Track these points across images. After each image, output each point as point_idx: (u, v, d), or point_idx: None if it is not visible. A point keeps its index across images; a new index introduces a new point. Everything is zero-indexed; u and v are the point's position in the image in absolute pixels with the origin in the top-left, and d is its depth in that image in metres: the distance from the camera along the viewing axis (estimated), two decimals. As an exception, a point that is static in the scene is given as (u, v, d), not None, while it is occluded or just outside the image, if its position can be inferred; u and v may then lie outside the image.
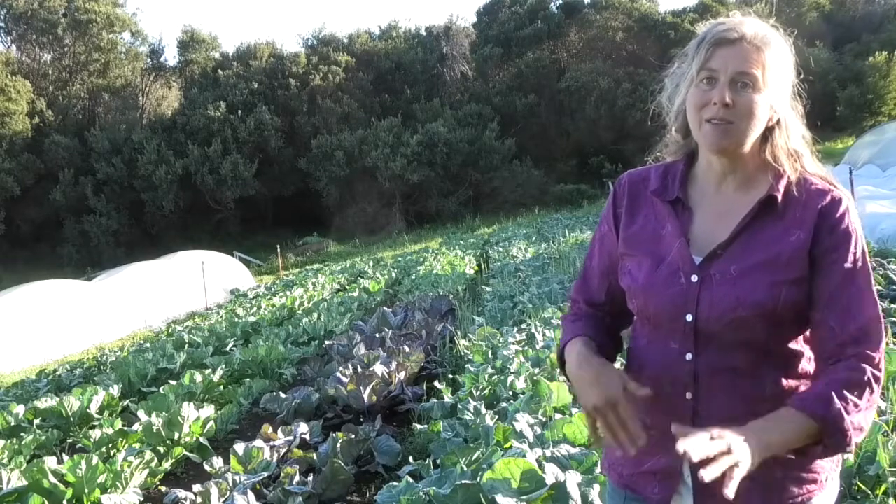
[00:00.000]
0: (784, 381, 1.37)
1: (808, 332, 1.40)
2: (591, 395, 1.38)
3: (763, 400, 1.35)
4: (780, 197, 1.36)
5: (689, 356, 1.38)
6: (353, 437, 4.40)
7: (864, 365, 1.30)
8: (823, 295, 1.33)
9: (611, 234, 1.56)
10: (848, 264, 1.33)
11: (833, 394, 1.26)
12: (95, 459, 4.18)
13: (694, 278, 1.38)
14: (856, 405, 1.27)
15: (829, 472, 1.40)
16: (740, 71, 1.33)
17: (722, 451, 1.15)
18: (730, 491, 1.14)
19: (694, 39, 1.41)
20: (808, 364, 1.40)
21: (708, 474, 1.14)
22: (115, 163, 33.15)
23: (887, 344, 4.15)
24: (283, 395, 5.84)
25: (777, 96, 1.37)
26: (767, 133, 1.39)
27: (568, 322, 1.60)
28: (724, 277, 1.35)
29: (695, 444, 1.15)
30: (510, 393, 4.43)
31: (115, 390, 6.94)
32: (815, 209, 1.35)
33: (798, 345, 1.39)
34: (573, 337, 1.52)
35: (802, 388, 1.37)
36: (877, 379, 1.31)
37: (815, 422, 1.25)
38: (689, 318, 1.37)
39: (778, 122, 1.39)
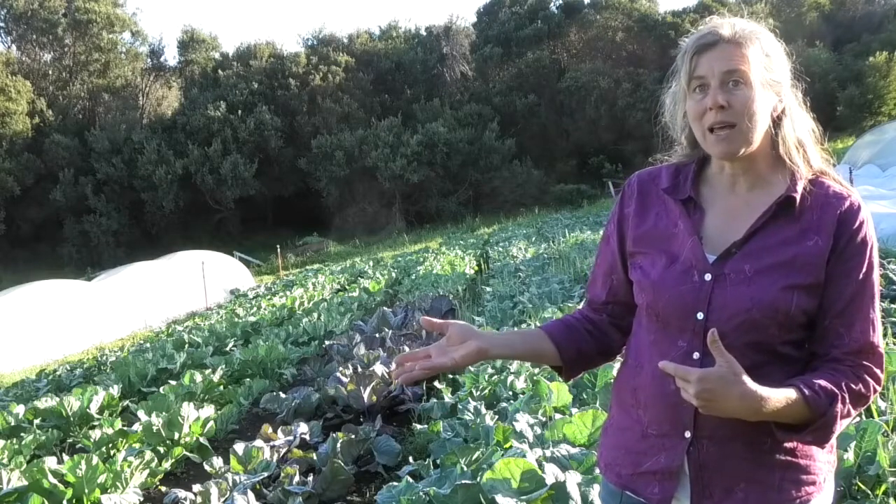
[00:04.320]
0: None
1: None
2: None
3: None
4: (797, 198, 1.35)
5: (696, 355, 1.37)
6: (353, 437, 4.40)
7: (868, 379, 1.31)
8: (836, 303, 1.33)
9: (614, 234, 1.56)
10: (862, 275, 1.32)
11: (839, 395, 1.27)
12: (95, 459, 4.18)
13: (707, 277, 1.37)
14: (848, 413, 1.30)
15: (825, 473, 1.40)
16: (726, 70, 1.33)
17: (685, 389, 1.25)
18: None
19: (679, 54, 1.41)
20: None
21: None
22: (115, 163, 33.18)
23: (887, 344, 4.17)
24: (283, 395, 5.84)
25: (773, 86, 1.36)
26: (775, 126, 1.39)
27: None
28: (739, 277, 1.35)
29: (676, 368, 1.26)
30: (510, 393, 4.43)
31: (115, 390, 6.94)
32: (834, 214, 1.34)
33: (803, 349, 1.39)
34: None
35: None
36: (874, 392, 1.33)
37: (810, 412, 1.26)
38: (699, 316, 1.36)
39: (783, 111, 1.38)
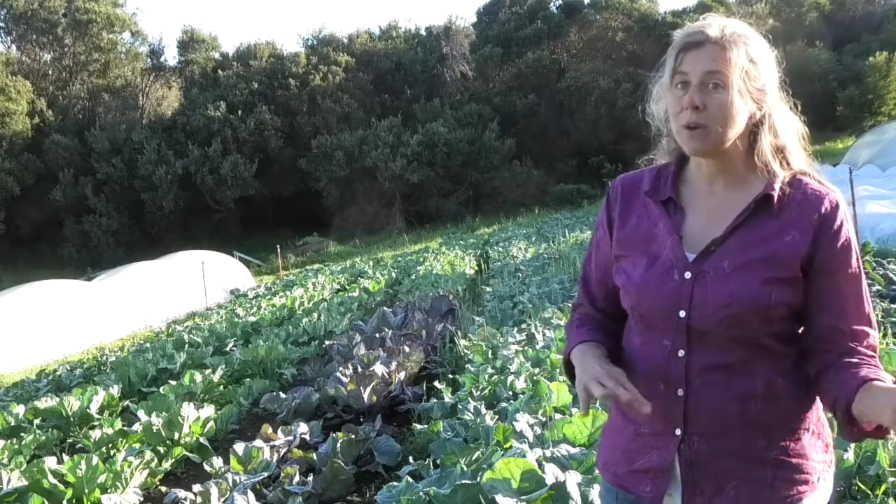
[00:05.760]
0: (775, 379, 1.37)
1: (800, 330, 1.41)
2: (593, 370, 1.37)
3: (754, 397, 1.35)
4: (775, 196, 1.37)
5: (681, 353, 1.38)
6: (353, 437, 4.40)
7: (876, 362, 1.34)
8: (831, 300, 1.35)
9: (605, 238, 1.57)
10: (852, 270, 1.35)
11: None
12: (95, 459, 4.18)
13: (687, 275, 1.38)
14: None
15: (821, 472, 1.40)
16: (707, 71, 1.33)
17: None
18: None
19: (669, 47, 1.42)
20: (799, 361, 1.40)
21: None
22: (115, 163, 33.15)
23: (886, 344, 4.18)
24: (283, 395, 5.84)
25: (754, 94, 1.37)
26: (754, 131, 1.39)
27: (573, 329, 1.60)
28: (718, 274, 1.36)
29: None
30: (510, 393, 4.43)
31: (115, 390, 6.94)
32: (814, 213, 1.35)
33: (790, 343, 1.40)
34: (579, 342, 1.52)
35: (791, 388, 1.38)
36: None
37: None
38: (682, 314, 1.37)
39: (762, 119, 1.39)
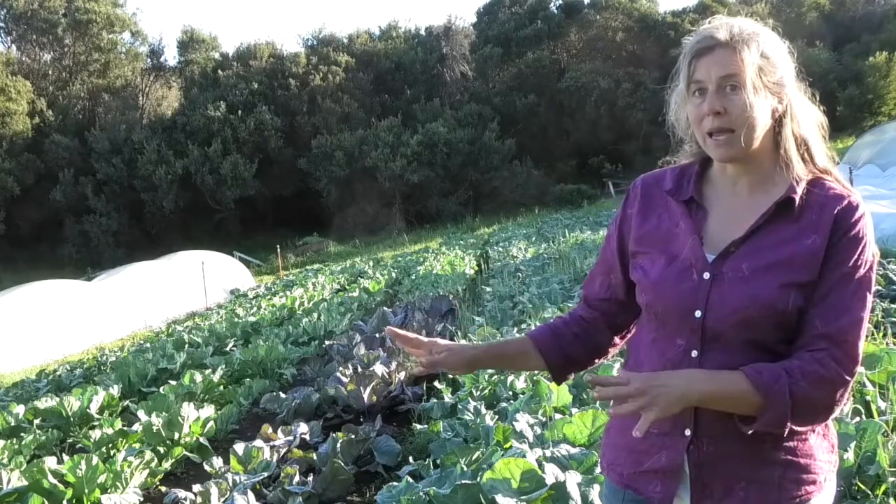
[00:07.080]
0: None
1: None
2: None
3: None
4: (797, 199, 1.36)
5: (694, 353, 1.38)
6: (353, 437, 4.40)
7: (833, 363, 1.28)
8: (817, 294, 1.32)
9: (615, 235, 1.58)
10: (847, 268, 1.32)
11: (784, 373, 1.27)
12: (95, 459, 4.18)
13: (706, 275, 1.38)
14: (807, 394, 1.26)
15: (826, 472, 1.40)
16: (723, 75, 1.33)
17: (628, 394, 1.28)
18: (637, 431, 1.27)
19: (680, 55, 1.41)
20: None
21: (616, 411, 1.29)
22: (115, 163, 33.19)
23: (886, 344, 4.16)
24: (283, 395, 5.84)
25: (772, 89, 1.36)
26: (777, 125, 1.39)
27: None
28: (736, 276, 1.35)
29: (607, 390, 1.30)
30: (510, 393, 4.43)
31: (115, 390, 6.94)
32: (832, 214, 1.34)
33: None
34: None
35: None
36: (843, 379, 1.29)
37: (757, 392, 1.26)
38: (698, 314, 1.37)
39: (784, 112, 1.38)
